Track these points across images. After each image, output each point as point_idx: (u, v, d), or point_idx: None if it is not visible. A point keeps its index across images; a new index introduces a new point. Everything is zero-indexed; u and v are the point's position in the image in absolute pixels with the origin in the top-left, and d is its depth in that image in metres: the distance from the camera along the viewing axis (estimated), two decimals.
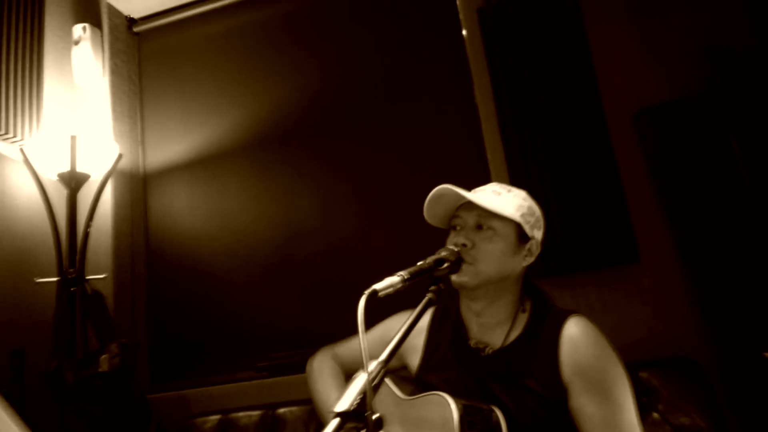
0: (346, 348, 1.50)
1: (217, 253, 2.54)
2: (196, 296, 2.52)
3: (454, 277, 1.18)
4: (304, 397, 2.06)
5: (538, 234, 1.25)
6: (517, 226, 1.21)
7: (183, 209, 2.66)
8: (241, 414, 2.06)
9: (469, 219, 1.22)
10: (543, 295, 1.30)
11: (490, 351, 1.22)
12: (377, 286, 0.92)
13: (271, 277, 2.45)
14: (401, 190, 2.36)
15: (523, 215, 1.21)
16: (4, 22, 2.29)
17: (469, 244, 1.18)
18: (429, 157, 2.35)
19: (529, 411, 1.11)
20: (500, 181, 2.07)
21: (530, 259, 1.24)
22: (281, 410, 2.02)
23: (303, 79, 2.61)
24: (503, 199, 1.22)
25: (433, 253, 1.14)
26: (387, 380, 1.32)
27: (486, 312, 1.24)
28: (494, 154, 2.13)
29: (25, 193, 2.30)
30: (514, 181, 2.03)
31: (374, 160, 2.43)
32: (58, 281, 2.13)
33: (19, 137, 2.25)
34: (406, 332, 0.94)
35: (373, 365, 0.83)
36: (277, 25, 2.73)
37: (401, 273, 0.98)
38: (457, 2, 2.34)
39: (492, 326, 1.24)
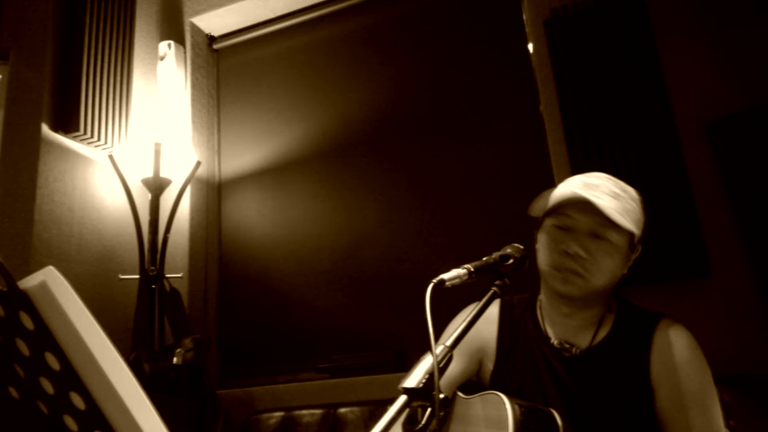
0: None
1: (284, 258, 2.65)
2: (263, 298, 2.62)
3: (560, 287, 1.15)
4: (365, 399, 2.12)
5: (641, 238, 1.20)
6: (631, 235, 1.15)
7: (253, 215, 2.79)
8: (303, 412, 2.12)
9: (584, 223, 1.14)
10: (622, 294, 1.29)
11: (577, 351, 1.20)
12: (444, 276, 0.96)
13: (334, 282, 2.53)
14: (463, 198, 2.39)
15: (637, 223, 1.14)
16: (99, 41, 2.50)
17: (585, 255, 1.13)
18: (492, 166, 2.37)
19: (612, 410, 1.11)
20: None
21: (630, 264, 1.19)
22: (342, 410, 2.07)
23: (369, 91, 2.70)
24: (624, 205, 1.12)
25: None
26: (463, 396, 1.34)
27: (577, 315, 1.21)
28: (560, 165, 2.13)
29: (112, 196, 2.49)
30: None
31: (437, 169, 2.47)
32: (139, 278, 2.28)
33: (108, 144, 2.44)
34: (472, 321, 0.97)
35: (439, 348, 0.87)
36: (345, 39, 2.84)
37: (467, 266, 1.01)
38: (524, 15, 2.37)
39: (580, 327, 1.22)
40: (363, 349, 2.33)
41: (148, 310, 2.22)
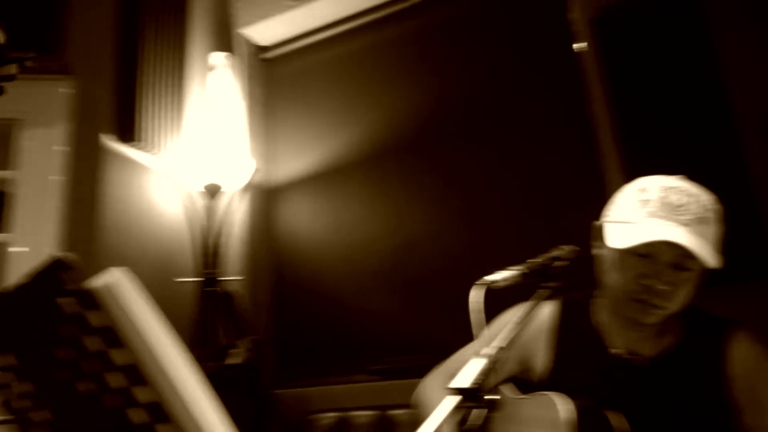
0: (453, 359, 1.46)
1: (335, 261, 2.69)
2: (316, 300, 2.67)
3: (636, 316, 1.11)
4: None
5: None
6: None
7: (305, 220, 2.84)
8: (357, 413, 2.15)
9: (667, 254, 1.07)
10: None
11: (642, 361, 1.16)
12: (492, 277, 0.96)
13: (384, 285, 2.54)
14: (511, 200, 2.36)
15: (720, 242, 1.09)
16: (155, 54, 2.60)
17: (668, 289, 1.08)
18: (541, 167, 2.34)
19: (684, 423, 1.08)
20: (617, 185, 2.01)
21: None
22: (394, 412, 2.09)
23: (416, 95, 2.71)
24: (711, 232, 1.06)
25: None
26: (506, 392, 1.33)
27: (644, 327, 1.16)
28: (610, 165, 2.07)
29: (169, 202, 2.58)
30: None
31: (485, 171, 2.46)
32: (196, 281, 2.37)
33: (165, 153, 2.53)
34: (522, 323, 0.96)
35: (490, 349, 0.87)
36: (391, 45, 2.86)
37: (515, 267, 1.01)
38: (571, 14, 2.33)
39: (646, 337, 1.17)
40: (414, 352, 2.34)
41: (205, 312, 2.30)
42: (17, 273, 2.18)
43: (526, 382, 1.31)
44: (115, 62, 2.50)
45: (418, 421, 1.41)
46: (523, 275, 1.00)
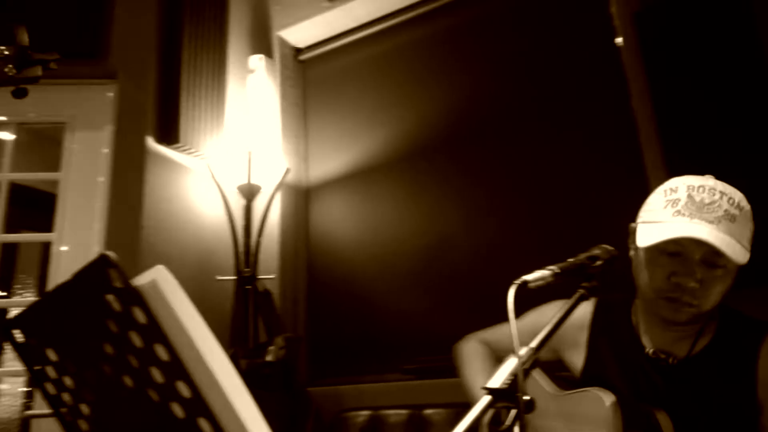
0: (494, 333, 1.48)
1: (368, 260, 2.70)
2: (349, 299, 2.69)
3: (667, 315, 1.12)
4: (450, 400, 2.12)
5: None
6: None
7: (339, 219, 2.87)
8: (390, 412, 2.16)
9: (696, 252, 1.07)
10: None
11: (675, 361, 1.15)
12: (527, 277, 0.95)
13: (417, 283, 2.55)
14: (548, 198, 2.33)
15: (750, 242, 1.08)
16: (196, 57, 2.67)
17: (698, 287, 1.08)
18: (579, 165, 2.30)
19: (712, 423, 1.07)
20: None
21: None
22: (428, 411, 2.09)
23: (450, 93, 2.70)
24: (739, 228, 1.06)
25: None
26: (537, 376, 1.33)
27: (678, 327, 1.16)
28: (653, 162, 2.03)
29: (209, 202, 2.65)
30: None
31: (520, 169, 2.43)
32: (235, 279, 2.42)
33: (206, 154, 2.59)
34: (557, 323, 0.95)
35: (524, 350, 0.86)
36: (425, 43, 2.86)
37: (552, 267, 1.00)
38: (612, 8, 2.28)
39: (679, 337, 1.17)
40: (447, 351, 2.32)
41: (243, 309, 2.35)
42: (63, 271, 2.27)
43: (566, 379, 1.31)
44: (157, 66, 2.58)
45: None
46: (560, 275, 0.99)
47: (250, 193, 2.55)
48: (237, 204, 2.59)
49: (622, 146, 2.19)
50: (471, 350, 1.50)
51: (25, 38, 1.14)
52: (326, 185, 2.96)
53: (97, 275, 0.68)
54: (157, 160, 2.46)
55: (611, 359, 1.24)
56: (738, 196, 1.11)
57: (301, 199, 2.98)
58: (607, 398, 1.05)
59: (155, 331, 0.67)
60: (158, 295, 0.66)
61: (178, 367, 0.66)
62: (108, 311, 0.71)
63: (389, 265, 2.65)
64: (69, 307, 0.81)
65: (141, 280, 0.68)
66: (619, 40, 2.24)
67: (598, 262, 1.07)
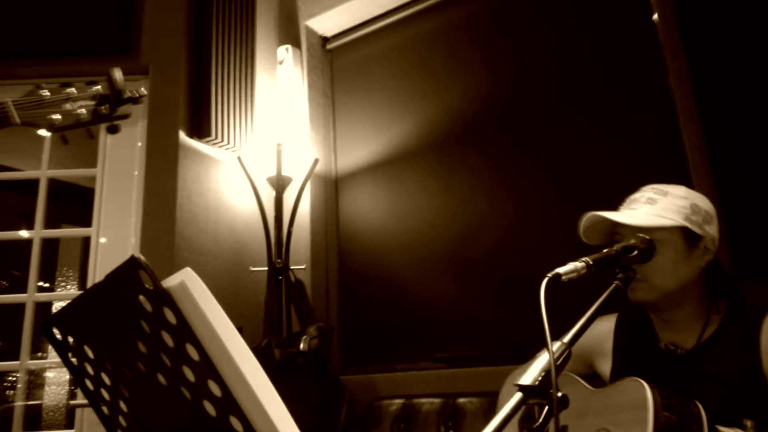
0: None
1: (399, 249, 2.70)
2: (381, 288, 2.70)
3: (630, 295, 1.18)
4: (482, 389, 2.11)
5: (711, 229, 1.18)
6: (683, 229, 1.16)
7: (369, 208, 2.87)
8: (423, 400, 2.16)
9: (629, 235, 1.17)
10: (739, 293, 1.23)
11: (683, 351, 1.19)
12: (560, 270, 0.93)
13: (448, 272, 2.53)
14: (581, 184, 2.28)
15: (687, 216, 1.16)
16: (225, 51, 2.68)
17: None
18: (614, 149, 2.24)
19: (727, 403, 1.07)
20: (700, 173, 1.91)
21: (708, 258, 1.19)
22: (461, 400, 2.08)
23: (479, 79, 2.66)
24: (660, 206, 1.18)
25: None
26: (577, 377, 1.32)
27: (674, 317, 1.22)
28: (692, 144, 1.96)
29: (240, 194, 2.68)
30: (717, 171, 1.85)
31: (552, 155, 2.38)
32: (268, 270, 2.44)
33: (236, 147, 2.62)
34: (591, 316, 0.93)
35: (556, 345, 0.85)
36: (453, 28, 2.81)
37: (585, 258, 0.97)
38: None
39: (683, 328, 1.21)
40: (479, 340, 2.32)
41: (276, 299, 2.37)
42: (102, 265, 2.33)
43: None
44: (187, 61, 2.61)
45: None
46: (593, 266, 0.96)
47: (280, 184, 2.57)
48: (268, 196, 2.61)
49: (659, 129, 2.12)
50: (506, 392, 1.54)
51: (118, 78, 1.23)
52: (355, 175, 2.96)
53: (128, 277, 0.69)
54: (189, 154, 2.50)
55: (634, 360, 1.28)
56: (669, 186, 1.23)
57: (331, 189, 2.98)
58: (645, 382, 1.05)
59: (185, 331, 0.69)
60: (187, 297, 0.67)
61: (208, 367, 0.67)
62: (140, 311, 0.72)
63: (420, 253, 2.64)
64: (103, 306, 0.83)
65: (170, 282, 0.69)
66: (655, 17, 2.16)
67: (634, 252, 1.05)
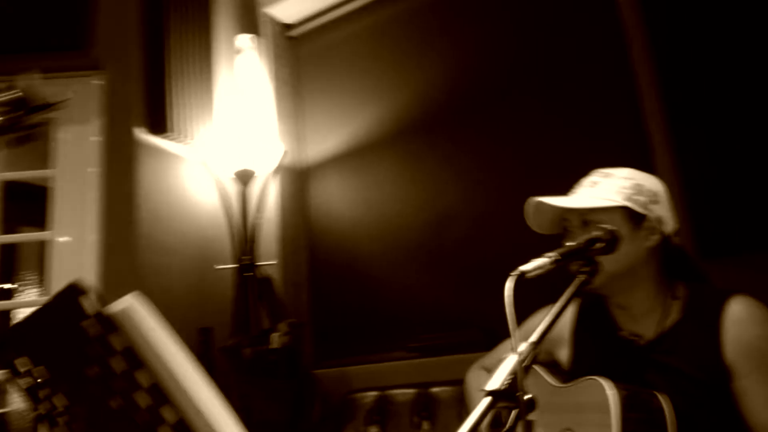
0: (492, 355, 1.53)
1: (370, 239, 2.68)
2: (352, 279, 2.67)
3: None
4: (455, 378, 2.11)
5: (658, 208, 1.16)
6: (626, 210, 1.14)
7: (339, 199, 2.83)
8: (397, 392, 2.16)
9: (574, 219, 1.19)
10: (701, 277, 1.22)
11: (644, 342, 1.17)
12: (524, 267, 0.92)
13: (419, 261, 2.52)
14: (548, 169, 2.28)
15: (628, 196, 1.15)
16: (181, 42, 2.60)
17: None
18: (579, 133, 2.25)
19: (688, 397, 1.06)
20: (663, 150, 1.92)
21: (655, 238, 1.16)
22: (435, 389, 2.09)
23: (448, 64, 2.63)
24: (600, 188, 1.18)
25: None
26: (540, 370, 1.32)
27: (629, 303, 1.20)
28: (655, 120, 1.96)
29: (204, 190, 2.61)
30: (679, 150, 1.86)
31: (520, 141, 2.38)
32: (234, 267, 2.40)
33: (197, 141, 2.54)
34: (558, 313, 0.92)
35: (522, 346, 0.84)
36: (420, 13, 2.77)
37: (550, 254, 0.96)
38: None
39: (641, 316, 1.19)
40: (452, 328, 2.32)
41: (244, 297, 2.33)
42: (62, 269, 2.25)
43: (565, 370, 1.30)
44: (142, 54, 2.51)
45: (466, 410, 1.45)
46: (559, 261, 0.96)
47: (244, 178, 2.51)
48: (233, 190, 2.55)
49: (623, 110, 2.13)
50: (472, 379, 1.52)
51: (27, 85, 1.12)
52: (324, 165, 2.91)
53: (69, 303, 0.65)
54: (149, 151, 2.42)
55: (593, 348, 1.26)
56: (614, 170, 1.22)
57: (299, 180, 2.93)
58: (607, 384, 1.03)
59: (133, 357, 0.65)
60: (132, 322, 0.64)
61: (159, 393, 0.64)
62: (85, 338, 0.69)
63: (391, 243, 2.62)
64: (50, 330, 0.79)
65: (115, 308, 0.65)
66: None
67: (599, 245, 1.04)
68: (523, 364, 0.80)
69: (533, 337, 0.86)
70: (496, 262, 2.35)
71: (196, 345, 2.27)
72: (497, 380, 0.78)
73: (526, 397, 0.76)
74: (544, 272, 0.93)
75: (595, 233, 1.06)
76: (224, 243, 2.53)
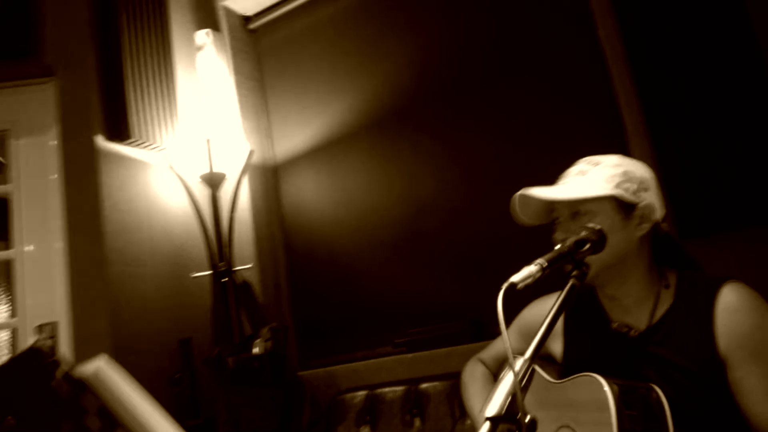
0: (489, 351, 1.50)
1: (347, 234, 2.63)
2: (333, 277, 2.63)
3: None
4: (444, 371, 2.10)
5: (648, 195, 1.13)
6: (616, 199, 1.11)
7: (312, 195, 2.77)
8: (386, 390, 2.14)
9: (563, 210, 1.16)
10: (691, 263, 1.20)
11: (636, 333, 1.15)
12: (514, 278, 0.89)
13: (399, 254, 2.49)
14: (522, 153, 2.27)
15: (618, 184, 1.11)
16: (137, 41, 2.48)
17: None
18: (552, 118, 2.22)
19: (682, 389, 1.05)
20: (639, 138, 1.91)
21: (646, 226, 1.13)
22: (424, 385, 2.07)
23: (417, 51, 2.57)
24: (589, 177, 1.14)
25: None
26: (535, 366, 1.30)
27: (619, 294, 1.17)
28: (628, 104, 1.95)
29: (174, 196, 2.51)
30: (654, 132, 1.86)
31: (492, 126, 2.35)
32: (211, 274, 2.33)
33: (162, 145, 2.45)
34: (550, 325, 0.90)
35: (519, 363, 0.81)
36: (383, 1, 2.69)
37: (539, 261, 0.94)
38: None
39: (632, 307, 1.17)
40: (438, 321, 2.30)
41: (223, 304, 2.27)
42: (27, 289, 2.16)
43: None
44: (96, 57, 2.40)
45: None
46: (548, 267, 0.93)
47: (214, 181, 2.43)
48: (203, 194, 2.47)
49: (596, 94, 2.11)
50: (468, 374, 1.48)
51: None
52: (295, 161, 2.84)
53: (34, 366, 0.60)
54: (111, 159, 2.32)
55: (586, 340, 1.24)
56: (602, 157, 1.18)
57: (270, 179, 2.86)
58: (604, 381, 1.02)
59: (108, 416, 0.61)
60: (102, 383, 0.60)
61: None
62: (56, 396, 0.64)
63: (369, 236, 2.58)
64: (18, 386, 0.74)
65: (86, 370, 0.60)
66: None
67: (587, 246, 1.02)
68: (521, 384, 0.78)
69: (528, 353, 0.83)
70: (476, 249, 2.33)
71: (177, 357, 2.21)
72: (496, 404, 0.75)
73: (527, 419, 0.74)
74: (534, 281, 0.91)
75: (583, 233, 1.04)
76: (199, 250, 2.45)
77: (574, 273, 1.00)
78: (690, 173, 1.79)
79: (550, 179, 2.16)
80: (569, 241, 1.01)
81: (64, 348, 2.12)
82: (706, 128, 1.77)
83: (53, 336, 2.16)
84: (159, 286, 2.33)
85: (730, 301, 1.06)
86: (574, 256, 1.00)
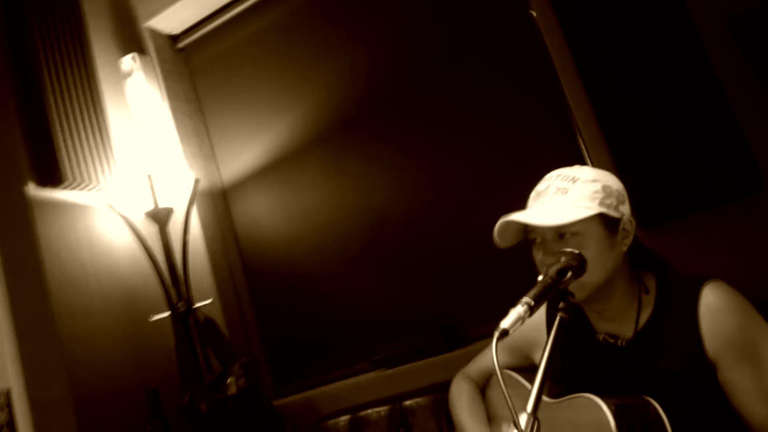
0: (474, 366, 1.47)
1: (307, 253, 2.55)
2: (298, 298, 2.55)
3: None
4: (426, 383, 2.07)
5: (625, 208, 1.12)
6: (601, 216, 1.08)
7: (266, 215, 2.67)
8: (369, 411, 2.09)
9: (547, 233, 1.10)
10: (662, 263, 1.19)
11: (623, 342, 1.14)
12: (504, 324, 0.87)
13: (362, 266, 2.44)
14: (478, 158, 2.25)
15: (601, 201, 1.07)
16: (59, 76, 2.31)
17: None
18: (504, 122, 2.21)
19: (674, 394, 1.05)
20: (589, 129, 1.91)
21: (629, 240, 1.12)
22: (408, 402, 2.04)
23: (358, 60, 2.49)
24: (571, 196, 1.08)
25: None
26: (523, 380, 1.29)
27: (606, 308, 1.16)
28: (577, 100, 1.95)
29: (119, 237, 2.36)
30: (605, 126, 1.86)
31: (444, 131, 2.32)
32: (170, 315, 2.21)
33: (99, 184, 2.29)
34: (546, 366, 0.87)
35: (523, 419, 0.77)
36: (317, 9, 2.60)
37: (525, 300, 0.91)
38: None
39: (617, 318, 1.16)
40: (410, 330, 2.26)
41: (187, 346, 2.17)
42: None
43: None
44: (14, 97, 2.21)
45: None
46: (535, 306, 0.90)
47: (160, 217, 2.30)
48: (151, 231, 2.33)
49: (545, 92, 2.09)
50: (455, 391, 1.45)
51: None
52: (244, 182, 2.73)
53: None
54: (46, 207, 2.16)
55: (573, 354, 1.22)
56: (575, 170, 1.13)
57: (220, 204, 2.74)
58: (603, 403, 1.00)
59: None
60: None
61: None
62: None
63: (330, 252, 2.51)
64: None
65: None
66: None
67: (569, 274, 0.99)
68: None
69: (530, 407, 0.79)
70: (439, 254, 2.30)
71: (144, 408, 2.09)
72: None
73: None
74: (523, 322, 0.88)
75: (563, 260, 1.01)
76: (154, 291, 2.32)
77: (561, 306, 0.97)
78: (642, 164, 1.81)
79: (507, 179, 2.13)
80: (551, 272, 0.98)
81: (22, 417, 1.97)
82: (656, 122, 1.79)
83: (9, 404, 2.00)
84: (115, 335, 2.19)
85: (712, 303, 1.05)
86: (557, 286, 0.97)
